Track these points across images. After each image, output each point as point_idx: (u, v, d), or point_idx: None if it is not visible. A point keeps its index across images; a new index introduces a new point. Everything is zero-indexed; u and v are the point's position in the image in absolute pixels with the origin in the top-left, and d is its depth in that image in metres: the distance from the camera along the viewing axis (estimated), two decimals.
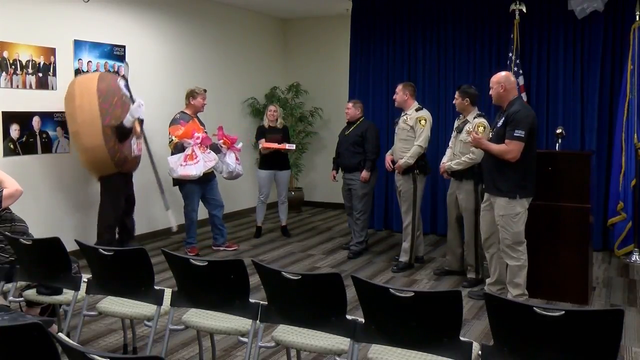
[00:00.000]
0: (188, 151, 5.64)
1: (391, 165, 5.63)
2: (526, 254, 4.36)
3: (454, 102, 5.14)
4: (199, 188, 5.95)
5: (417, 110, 5.51)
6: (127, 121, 5.32)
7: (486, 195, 4.49)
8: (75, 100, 5.29)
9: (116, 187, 5.54)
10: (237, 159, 6.11)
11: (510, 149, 4.15)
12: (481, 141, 4.36)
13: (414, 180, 5.49)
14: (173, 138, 5.74)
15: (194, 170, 5.63)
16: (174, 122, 5.83)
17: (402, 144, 5.50)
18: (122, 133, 5.34)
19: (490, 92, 4.39)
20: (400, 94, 5.53)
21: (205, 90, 6.03)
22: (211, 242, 6.41)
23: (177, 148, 5.72)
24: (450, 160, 5.12)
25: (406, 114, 5.52)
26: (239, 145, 6.14)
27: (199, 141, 5.67)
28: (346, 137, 6.12)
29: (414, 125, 5.43)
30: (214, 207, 6.15)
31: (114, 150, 5.33)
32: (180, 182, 5.88)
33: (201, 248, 6.28)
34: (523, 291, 4.37)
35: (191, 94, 5.95)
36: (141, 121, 5.63)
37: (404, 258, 5.59)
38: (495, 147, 4.25)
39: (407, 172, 5.48)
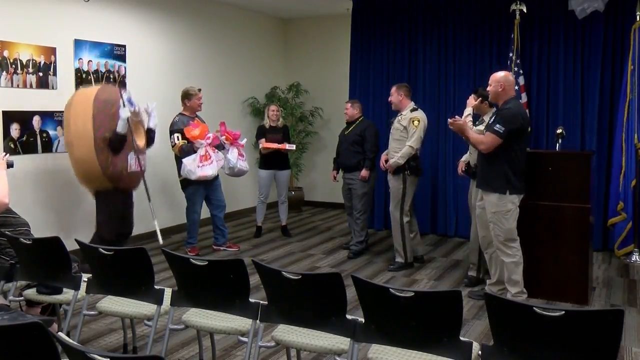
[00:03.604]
0: (202, 152, 5.62)
1: (383, 164, 5.64)
2: (520, 250, 4.38)
3: (472, 105, 5.05)
4: (203, 189, 5.93)
5: (411, 110, 5.52)
6: (119, 126, 5.05)
7: (480, 194, 4.52)
8: (71, 109, 5.15)
9: (110, 203, 5.23)
10: (241, 154, 6.05)
11: (485, 140, 4.24)
12: (464, 127, 4.34)
13: (404, 181, 5.48)
14: (176, 141, 5.70)
15: (210, 170, 5.64)
16: (174, 124, 5.78)
17: (395, 144, 5.52)
18: (116, 141, 5.06)
19: (488, 89, 4.45)
20: (395, 95, 5.54)
21: (199, 90, 5.97)
22: (210, 242, 6.41)
23: (184, 150, 5.67)
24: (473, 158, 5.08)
25: (401, 114, 5.54)
26: (243, 141, 6.11)
27: (209, 141, 5.67)
28: (346, 137, 6.13)
29: (407, 125, 5.44)
30: (215, 208, 6.14)
31: (105, 163, 5.07)
32: (185, 184, 5.86)
33: (201, 248, 6.28)
34: (521, 288, 4.39)
35: (186, 96, 5.90)
36: (152, 131, 5.50)
37: (398, 258, 5.60)
38: (472, 136, 4.34)
39: (397, 172, 5.47)
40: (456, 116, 4.46)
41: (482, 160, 4.44)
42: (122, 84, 6.01)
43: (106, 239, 5.17)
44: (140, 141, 5.40)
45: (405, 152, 5.39)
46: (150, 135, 5.54)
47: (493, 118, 4.36)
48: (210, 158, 5.65)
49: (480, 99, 4.88)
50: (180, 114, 5.91)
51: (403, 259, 5.58)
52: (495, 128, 4.19)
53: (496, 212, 4.32)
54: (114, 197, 5.24)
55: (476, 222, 4.76)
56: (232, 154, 5.97)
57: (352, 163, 6.02)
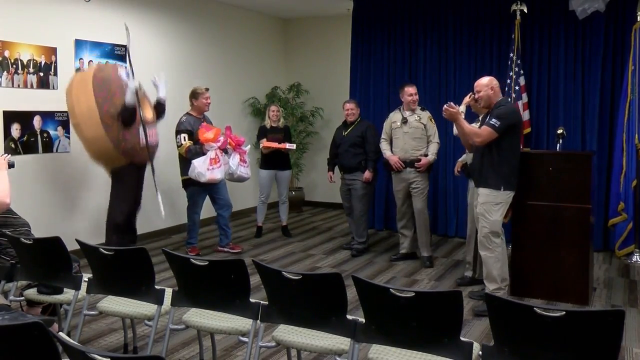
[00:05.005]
0: (212, 155, 5.58)
1: (402, 164, 5.66)
2: (502, 248, 4.38)
3: (466, 102, 5.06)
4: (203, 190, 5.88)
5: (422, 109, 5.73)
6: (128, 97, 5.12)
7: (476, 193, 4.53)
8: (72, 94, 5.23)
9: (126, 181, 5.34)
10: (243, 160, 5.96)
11: (481, 133, 4.31)
12: (457, 116, 4.38)
13: (429, 177, 5.75)
14: (183, 142, 5.65)
15: (219, 173, 5.62)
16: (181, 124, 5.74)
17: (416, 142, 5.64)
18: (127, 113, 5.13)
19: (478, 95, 4.46)
20: (418, 94, 5.73)
21: (207, 89, 5.93)
22: (210, 242, 6.42)
23: (191, 151, 5.62)
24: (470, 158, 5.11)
25: (414, 113, 5.67)
26: (246, 148, 6.03)
27: (219, 144, 5.63)
28: (345, 138, 6.10)
29: (426, 123, 5.63)
30: (221, 207, 6.06)
31: (117, 139, 5.15)
32: (187, 184, 5.83)
33: (202, 248, 6.28)
34: (499, 285, 4.38)
35: (193, 95, 5.87)
36: (161, 104, 5.60)
37: (425, 252, 5.77)
38: (466, 127, 4.40)
39: (426, 169, 5.68)
40: (451, 103, 4.48)
41: (478, 158, 4.48)
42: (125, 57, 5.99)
43: (117, 218, 5.37)
44: (148, 114, 5.44)
45: (437, 149, 5.71)
46: (159, 107, 5.62)
47: (488, 116, 4.40)
48: (219, 161, 5.61)
49: (474, 96, 4.89)
50: (187, 113, 5.86)
51: (429, 252, 5.81)
52: (492, 122, 4.26)
53: (485, 202, 4.36)
54: (130, 172, 5.36)
55: (474, 222, 4.77)
56: (234, 160, 5.89)
57: (353, 164, 6.02)
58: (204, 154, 5.60)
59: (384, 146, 5.83)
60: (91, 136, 5.17)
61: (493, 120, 4.26)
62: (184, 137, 5.68)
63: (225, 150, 5.85)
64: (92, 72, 5.32)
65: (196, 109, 5.88)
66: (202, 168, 5.54)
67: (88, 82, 5.19)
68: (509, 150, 4.32)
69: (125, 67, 5.48)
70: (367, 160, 5.97)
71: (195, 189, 5.84)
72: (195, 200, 5.95)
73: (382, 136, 5.88)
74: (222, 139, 5.68)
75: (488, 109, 4.47)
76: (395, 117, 5.79)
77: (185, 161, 5.72)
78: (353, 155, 6.01)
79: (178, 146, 5.74)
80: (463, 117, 4.83)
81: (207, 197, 6.07)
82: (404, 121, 5.68)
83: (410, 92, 5.66)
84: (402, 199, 5.80)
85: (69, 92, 5.30)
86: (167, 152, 6.11)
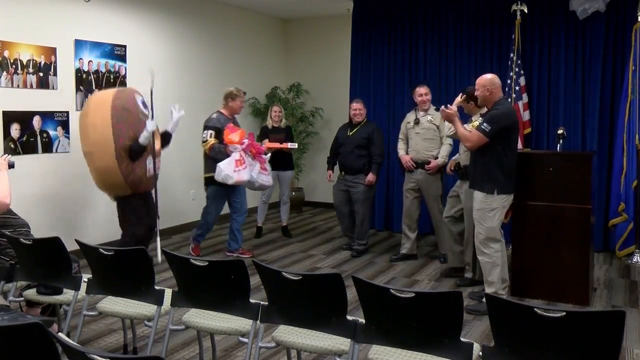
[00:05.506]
0: (236, 156, 5.50)
1: (414, 164, 5.68)
2: (500, 252, 4.36)
3: (457, 103, 5.08)
4: (224, 191, 5.78)
5: (436, 110, 5.68)
6: (143, 137, 5.01)
7: (472, 196, 4.53)
8: (88, 118, 5.05)
9: (134, 209, 5.17)
10: (264, 169, 5.83)
11: (471, 137, 4.29)
12: (453, 118, 4.38)
13: (442, 179, 5.70)
14: (209, 138, 5.58)
15: (245, 175, 5.54)
16: (210, 120, 5.69)
17: (427, 143, 5.65)
18: (135, 151, 5.02)
19: (476, 94, 4.45)
20: (430, 94, 5.73)
21: (244, 93, 5.88)
22: (210, 242, 6.40)
23: (214, 150, 5.56)
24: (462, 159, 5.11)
25: (427, 113, 5.68)
26: (266, 156, 5.93)
27: (244, 146, 5.56)
28: (350, 139, 6.06)
29: (439, 124, 5.60)
30: (236, 211, 5.96)
31: (127, 171, 5.00)
32: (210, 182, 5.74)
33: (202, 248, 6.26)
34: (496, 289, 4.36)
35: (230, 96, 5.80)
36: (168, 135, 5.44)
37: (444, 251, 5.67)
38: (460, 130, 4.37)
39: (437, 170, 5.65)
40: (449, 105, 4.51)
41: (472, 160, 4.47)
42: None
43: (138, 235, 5.13)
44: (157, 144, 5.34)
45: (448, 150, 5.63)
46: (166, 137, 5.49)
47: (482, 118, 4.38)
48: (244, 163, 5.54)
49: (465, 96, 4.88)
50: (218, 111, 5.80)
51: (446, 251, 5.58)
52: (483, 127, 4.23)
53: (480, 209, 4.35)
54: (135, 200, 5.17)
55: (472, 224, 4.76)
56: (254, 169, 5.74)
57: (357, 166, 5.99)
58: (227, 155, 5.52)
59: (399, 145, 5.87)
60: (103, 167, 5.00)
61: (484, 124, 4.21)
62: (211, 134, 5.61)
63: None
64: (111, 98, 5.06)
65: (229, 109, 5.82)
66: (229, 170, 5.46)
67: (106, 108, 4.98)
68: (503, 153, 4.26)
69: (142, 96, 5.25)
70: (371, 163, 5.96)
71: (217, 188, 5.72)
72: (214, 202, 5.84)
73: (399, 136, 5.92)
74: (246, 141, 5.60)
75: (486, 108, 4.46)
76: (409, 117, 5.83)
77: (210, 159, 5.65)
78: (357, 156, 5.98)
79: (203, 141, 5.66)
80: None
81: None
82: (416, 122, 5.69)
83: (420, 92, 5.69)
84: (410, 199, 5.80)
85: (85, 115, 5.12)
86: (171, 150, 6.09)
